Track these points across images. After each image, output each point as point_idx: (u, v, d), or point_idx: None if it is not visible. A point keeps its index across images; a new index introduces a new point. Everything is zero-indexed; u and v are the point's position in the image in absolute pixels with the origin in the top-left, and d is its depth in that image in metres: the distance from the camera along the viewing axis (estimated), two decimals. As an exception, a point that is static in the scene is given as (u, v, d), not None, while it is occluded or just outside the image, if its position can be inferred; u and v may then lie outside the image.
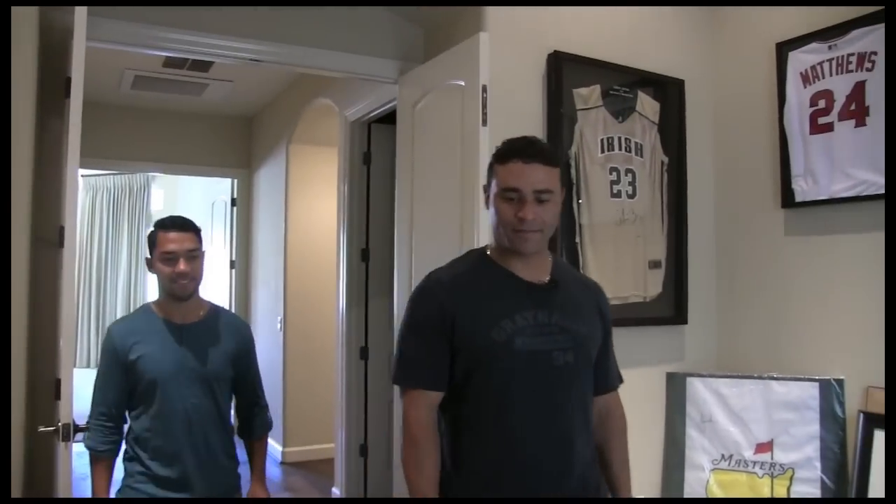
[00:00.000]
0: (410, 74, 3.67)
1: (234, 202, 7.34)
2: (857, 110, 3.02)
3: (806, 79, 3.22)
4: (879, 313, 2.96)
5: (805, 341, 3.27)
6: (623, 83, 3.50)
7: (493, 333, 1.80)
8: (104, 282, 11.17)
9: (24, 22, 2.57)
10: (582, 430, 1.89)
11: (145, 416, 2.45)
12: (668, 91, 3.66)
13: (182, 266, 2.44)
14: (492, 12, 3.23)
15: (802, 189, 3.24)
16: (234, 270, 7.27)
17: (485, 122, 3.01)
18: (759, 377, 3.29)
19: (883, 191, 2.92)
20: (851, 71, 3.04)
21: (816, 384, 3.14)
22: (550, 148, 1.89)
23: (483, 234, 2.97)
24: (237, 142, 7.30)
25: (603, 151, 3.39)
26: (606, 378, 2.05)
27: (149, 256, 2.52)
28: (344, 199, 4.94)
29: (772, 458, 3.19)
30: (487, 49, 3.06)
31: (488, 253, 1.95)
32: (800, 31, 3.26)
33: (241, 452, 2.71)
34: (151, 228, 2.53)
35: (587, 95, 3.36)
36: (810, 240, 3.28)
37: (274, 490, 5.48)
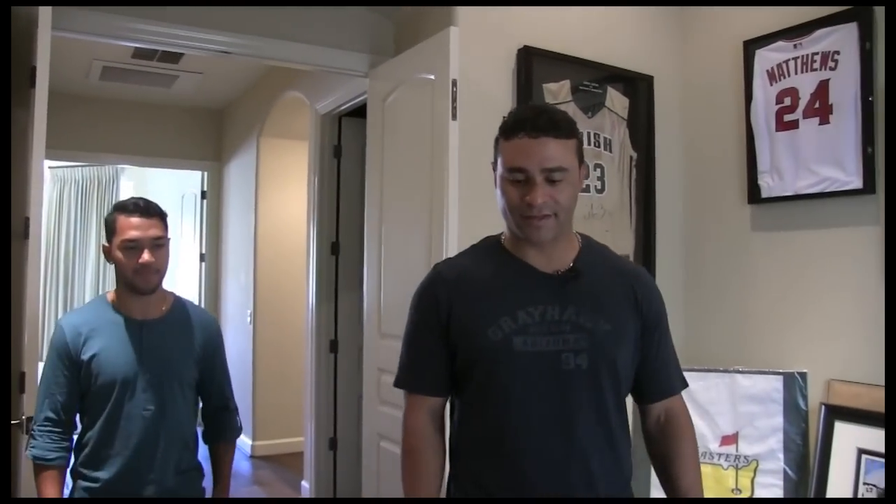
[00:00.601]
0: (381, 68, 3.67)
1: (204, 195, 7.30)
2: (821, 108, 3.06)
3: (772, 76, 3.26)
4: (841, 308, 3.02)
5: (770, 335, 3.32)
6: (592, 79, 3.52)
7: (489, 332, 1.58)
8: (72, 274, 11.02)
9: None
10: (602, 446, 1.61)
11: (94, 423, 2.17)
12: (638, 87, 3.69)
13: (146, 256, 2.14)
14: (462, 7, 3.23)
15: (768, 185, 3.28)
16: (203, 263, 7.24)
17: (454, 116, 3.01)
18: (725, 371, 3.33)
19: (846, 188, 2.97)
20: (816, 69, 3.08)
21: (780, 377, 3.18)
22: (564, 117, 1.59)
23: (453, 229, 2.98)
24: (207, 134, 7.25)
25: (572, 146, 3.40)
26: (660, 381, 1.74)
27: (106, 244, 2.21)
28: (314, 192, 4.93)
29: (737, 451, 3.23)
30: (457, 43, 3.06)
31: (503, 240, 1.71)
32: (766, 30, 3.29)
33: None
34: (110, 212, 2.22)
35: (557, 90, 3.38)
36: (776, 235, 3.32)
37: (243, 484, 5.50)
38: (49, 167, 10.01)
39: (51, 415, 2.15)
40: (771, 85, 3.26)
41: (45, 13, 2.46)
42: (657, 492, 3.06)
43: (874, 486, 2.74)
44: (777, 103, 3.23)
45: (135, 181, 10.76)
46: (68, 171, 10.84)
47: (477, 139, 3.13)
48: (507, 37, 3.32)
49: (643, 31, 3.77)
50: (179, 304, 2.38)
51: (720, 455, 3.25)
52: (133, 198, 2.25)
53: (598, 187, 3.50)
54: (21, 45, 2.67)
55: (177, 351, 2.28)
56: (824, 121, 3.05)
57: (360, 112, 4.26)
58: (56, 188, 10.85)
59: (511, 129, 1.58)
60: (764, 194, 3.30)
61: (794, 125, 3.17)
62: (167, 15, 3.31)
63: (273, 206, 6.28)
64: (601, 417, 1.60)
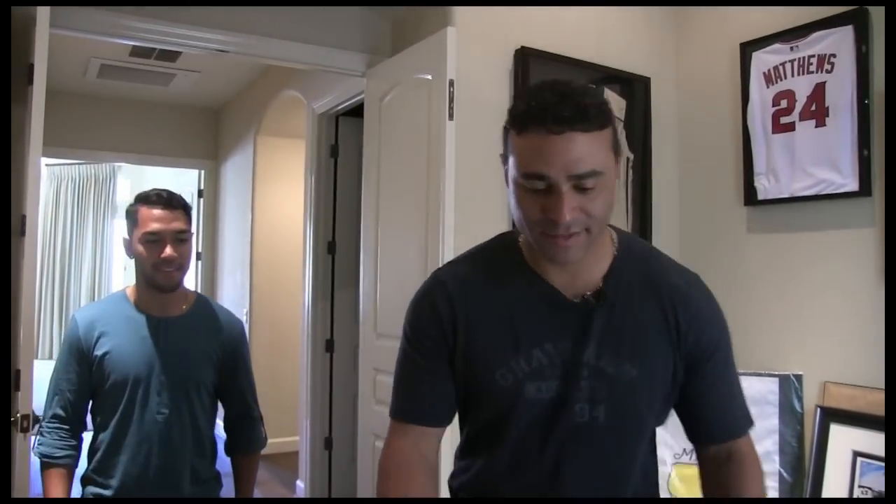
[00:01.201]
0: (378, 68, 3.67)
1: (200, 193, 7.31)
2: (817, 111, 3.07)
3: (769, 79, 3.26)
4: (837, 310, 3.02)
5: (765, 337, 3.32)
6: (589, 80, 3.51)
7: (497, 376, 1.31)
8: (68, 272, 11.03)
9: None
10: None
11: (107, 425, 2.08)
12: (634, 88, 3.69)
13: (168, 250, 2.04)
14: (459, 7, 3.23)
15: (764, 187, 3.29)
16: (200, 262, 7.24)
17: (451, 117, 3.01)
18: (720, 372, 3.32)
19: (842, 190, 2.97)
20: (812, 72, 3.09)
21: (776, 379, 3.18)
22: (595, 99, 1.19)
23: (449, 229, 2.98)
24: (204, 133, 7.25)
25: (569, 147, 3.40)
26: (716, 422, 1.41)
27: (127, 237, 2.10)
28: (311, 191, 4.92)
29: (731, 452, 3.23)
30: (454, 44, 3.06)
31: (520, 244, 1.38)
32: (763, 32, 3.30)
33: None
34: (131, 202, 2.12)
35: (554, 91, 3.38)
36: (772, 237, 3.33)
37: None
38: (46, 165, 10.02)
39: (59, 412, 2.07)
40: (767, 87, 3.27)
41: (43, 11, 2.46)
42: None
43: (869, 488, 2.74)
44: (773, 105, 3.24)
45: (131, 179, 10.79)
46: (65, 168, 10.85)
47: (473, 139, 3.14)
48: (504, 37, 3.32)
49: (640, 33, 3.77)
50: (203, 302, 2.28)
51: (715, 456, 3.26)
52: (156, 189, 2.15)
53: (595, 188, 3.50)
54: (19, 42, 2.67)
55: (196, 352, 2.17)
56: (820, 123, 3.06)
57: (356, 112, 4.26)
58: (53, 186, 10.86)
59: (525, 119, 1.18)
60: (760, 196, 3.31)
61: (790, 127, 3.17)
62: (165, 14, 3.31)
63: (269, 204, 6.27)
64: (619, 476, 1.36)
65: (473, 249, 1.46)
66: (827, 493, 2.87)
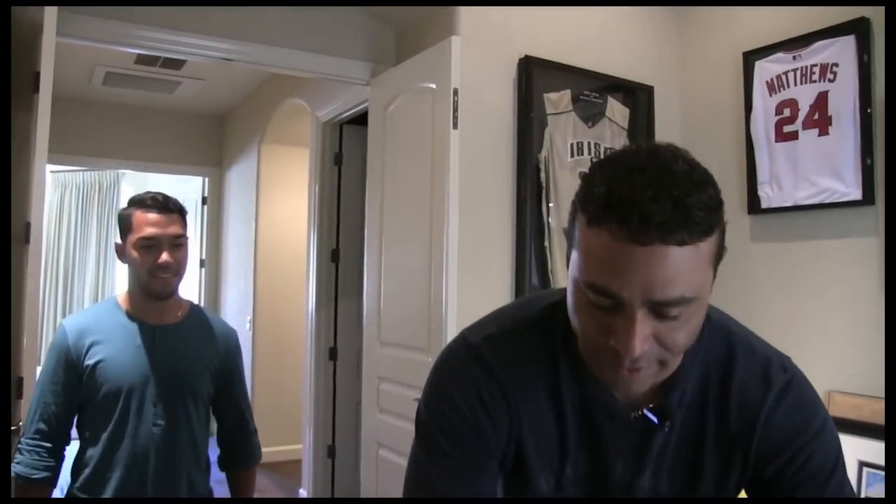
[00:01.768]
0: (382, 76, 3.68)
1: (204, 200, 7.31)
2: (820, 119, 3.07)
3: (772, 87, 3.26)
4: (842, 319, 3.01)
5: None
6: (593, 88, 3.53)
7: (541, 483, 1.08)
8: (72, 279, 11.01)
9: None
10: None
11: (97, 439, 1.97)
12: (638, 97, 3.70)
13: (165, 256, 1.97)
14: (464, 16, 3.24)
15: (768, 196, 3.28)
16: (203, 269, 7.24)
17: (455, 126, 3.02)
18: (723, 381, 3.31)
19: (845, 199, 2.97)
20: (815, 81, 3.09)
21: (779, 388, 3.17)
22: (702, 191, 0.90)
23: (453, 237, 2.98)
24: (208, 140, 7.26)
25: (572, 156, 3.41)
26: None
27: (119, 241, 2.02)
28: (315, 199, 4.93)
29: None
30: (459, 52, 3.07)
31: (573, 328, 0.99)
32: (766, 42, 3.30)
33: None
34: (125, 206, 2.04)
35: (557, 100, 3.39)
36: (775, 246, 3.32)
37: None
38: (50, 171, 10.02)
39: (42, 426, 1.95)
40: (770, 96, 3.27)
41: (50, 17, 2.47)
42: None
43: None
44: (776, 114, 3.24)
45: (135, 186, 10.77)
46: (69, 175, 10.84)
47: (477, 148, 3.14)
48: (508, 46, 3.33)
49: (643, 42, 3.78)
50: (197, 311, 2.20)
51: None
52: (150, 192, 2.06)
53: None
54: (25, 50, 2.68)
55: (192, 361, 2.08)
56: (823, 132, 3.06)
57: (361, 120, 4.27)
58: (57, 193, 10.85)
59: (602, 212, 0.86)
60: (763, 205, 3.30)
61: (793, 136, 3.17)
62: (170, 22, 3.33)
63: (273, 212, 6.27)
64: None
65: (514, 319, 1.12)
66: None
